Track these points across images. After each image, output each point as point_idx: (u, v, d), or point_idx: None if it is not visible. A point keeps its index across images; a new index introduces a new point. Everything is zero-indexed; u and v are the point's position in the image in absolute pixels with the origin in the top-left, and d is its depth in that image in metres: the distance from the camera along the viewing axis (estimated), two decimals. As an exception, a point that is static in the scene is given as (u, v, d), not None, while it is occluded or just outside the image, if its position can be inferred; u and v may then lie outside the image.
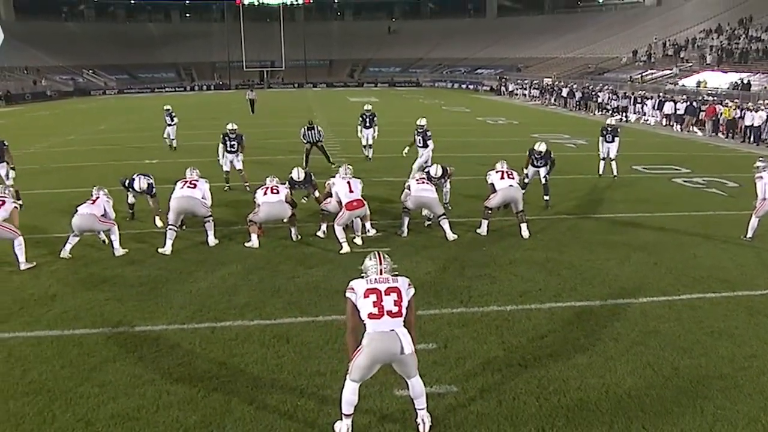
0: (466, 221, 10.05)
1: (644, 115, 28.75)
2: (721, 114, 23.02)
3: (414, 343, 4.28)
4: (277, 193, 9.03)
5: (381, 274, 4.37)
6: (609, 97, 31.68)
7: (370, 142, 16.72)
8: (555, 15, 76.29)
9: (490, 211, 9.56)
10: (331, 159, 15.25)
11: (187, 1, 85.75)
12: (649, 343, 5.83)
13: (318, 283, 7.47)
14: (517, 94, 46.58)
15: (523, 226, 9.41)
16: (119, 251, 8.63)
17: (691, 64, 39.24)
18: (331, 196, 9.24)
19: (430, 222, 9.88)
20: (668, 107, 25.94)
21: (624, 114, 29.55)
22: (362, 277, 4.42)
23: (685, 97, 26.35)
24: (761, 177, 9.03)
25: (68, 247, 8.52)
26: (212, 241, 9.09)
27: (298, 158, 14.84)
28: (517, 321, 6.37)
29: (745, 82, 29.94)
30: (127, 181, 9.92)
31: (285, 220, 9.28)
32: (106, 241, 8.87)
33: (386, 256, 4.53)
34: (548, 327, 6.24)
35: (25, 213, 8.49)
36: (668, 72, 39.30)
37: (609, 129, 14.14)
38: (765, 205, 8.96)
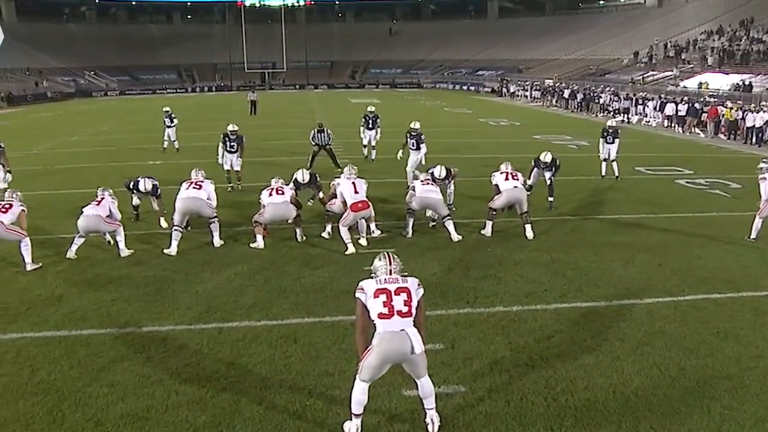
0: (470, 222, 10.07)
1: (646, 116, 28.78)
2: (723, 115, 23.05)
3: (424, 343, 4.29)
4: (282, 194, 9.05)
5: (391, 274, 4.40)
6: (611, 99, 31.70)
7: (373, 143, 16.77)
8: (556, 16, 76.38)
9: (494, 212, 9.58)
10: (339, 163, 15.21)
11: (189, 3, 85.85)
12: (655, 344, 5.85)
13: (324, 284, 7.49)
14: (518, 96, 46.60)
15: (528, 227, 9.43)
16: (125, 252, 8.66)
17: (692, 66, 39.24)
18: (335, 197, 9.26)
19: (434, 223, 9.90)
20: (670, 109, 25.96)
21: (626, 115, 29.57)
22: (372, 278, 4.44)
23: (686, 98, 26.35)
24: (765, 178, 9.04)
25: (74, 247, 8.54)
26: (217, 242, 9.11)
27: (300, 160, 14.83)
28: (523, 321, 6.39)
29: (747, 83, 29.94)
30: (132, 183, 9.96)
31: (290, 221, 9.31)
32: (112, 242, 8.90)
33: (395, 256, 4.55)
34: (554, 327, 6.26)
35: (28, 214, 8.51)
36: (669, 73, 39.28)
37: (609, 130, 14.15)
38: (769, 206, 8.97)
